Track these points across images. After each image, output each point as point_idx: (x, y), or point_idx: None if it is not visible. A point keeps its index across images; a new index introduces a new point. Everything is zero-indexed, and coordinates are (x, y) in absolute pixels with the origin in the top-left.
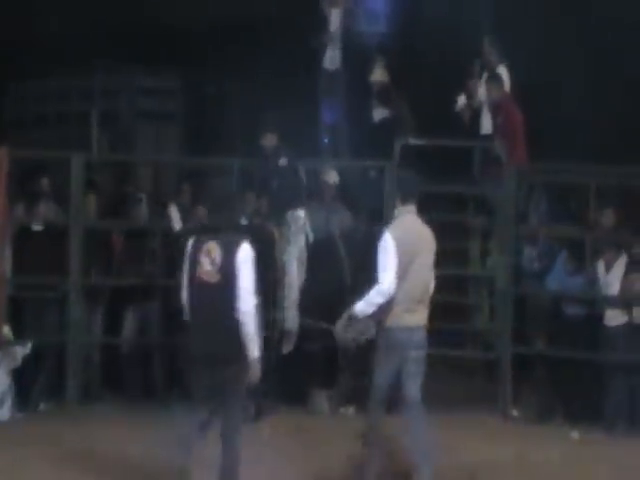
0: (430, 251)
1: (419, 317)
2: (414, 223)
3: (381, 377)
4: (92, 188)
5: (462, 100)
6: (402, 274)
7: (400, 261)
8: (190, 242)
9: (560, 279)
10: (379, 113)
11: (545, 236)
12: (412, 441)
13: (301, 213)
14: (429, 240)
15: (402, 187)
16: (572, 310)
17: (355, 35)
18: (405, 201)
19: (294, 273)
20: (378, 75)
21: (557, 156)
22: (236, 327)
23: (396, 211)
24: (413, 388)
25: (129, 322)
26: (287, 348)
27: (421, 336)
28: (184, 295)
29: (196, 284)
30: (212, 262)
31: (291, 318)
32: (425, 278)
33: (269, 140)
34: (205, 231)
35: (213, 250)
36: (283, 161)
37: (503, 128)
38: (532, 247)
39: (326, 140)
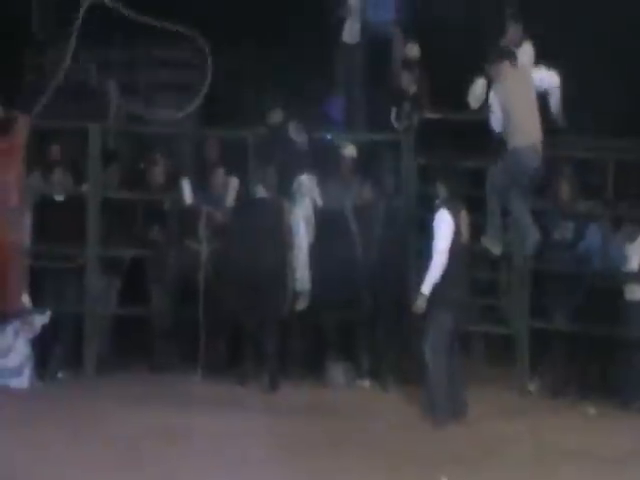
0: None
1: None
2: None
3: None
4: (114, 159)
5: (479, 87)
6: None
7: None
8: (446, 214)
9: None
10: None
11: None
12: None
13: (305, 179)
14: None
15: None
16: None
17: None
18: None
19: (302, 234)
20: (415, 51)
21: (575, 131)
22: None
23: None
24: None
25: (157, 295)
26: (301, 306)
27: None
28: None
29: (458, 248)
30: (466, 227)
31: (302, 278)
32: None
33: (275, 117)
34: (450, 202)
35: (465, 217)
36: (293, 127)
37: None
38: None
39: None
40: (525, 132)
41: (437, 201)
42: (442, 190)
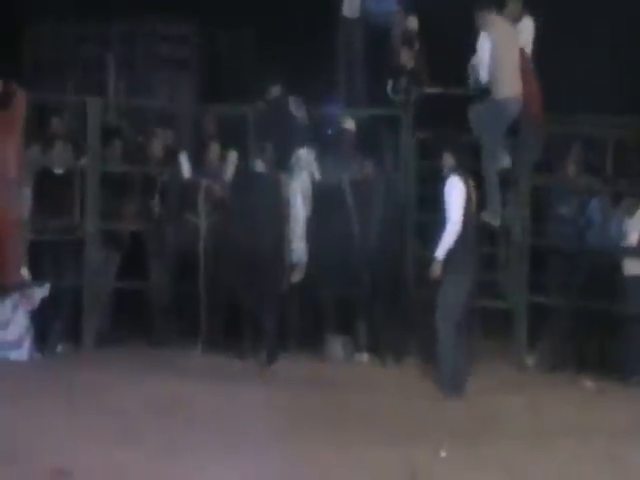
0: None
1: None
2: None
3: None
4: (117, 134)
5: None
6: None
7: None
8: (457, 181)
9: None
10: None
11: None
12: None
13: (303, 153)
14: None
15: None
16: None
17: None
18: None
19: (299, 206)
20: (414, 24)
21: (576, 108)
22: None
23: None
24: None
25: (156, 269)
26: (296, 278)
27: None
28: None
29: (469, 217)
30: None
31: (299, 250)
32: None
33: (275, 92)
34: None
35: (472, 186)
36: (292, 102)
37: None
38: (573, 197)
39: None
40: (510, 83)
41: (445, 170)
42: (450, 160)
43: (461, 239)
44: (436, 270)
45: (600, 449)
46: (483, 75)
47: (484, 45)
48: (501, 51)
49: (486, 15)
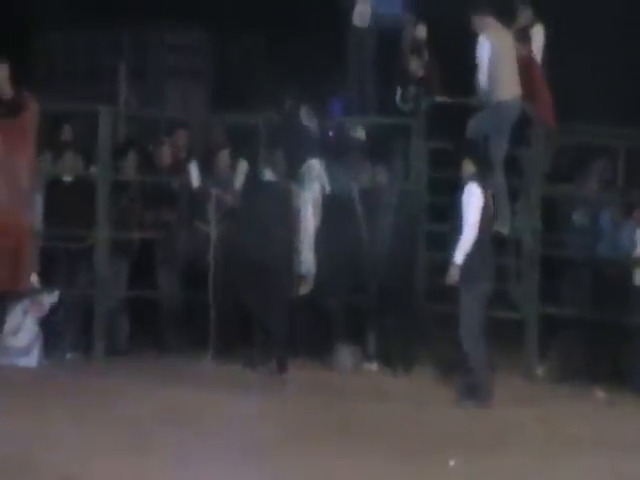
0: None
1: None
2: None
3: None
4: (131, 146)
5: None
6: None
7: None
8: (476, 188)
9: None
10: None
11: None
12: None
13: (315, 163)
14: None
15: None
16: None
17: None
18: None
19: (309, 217)
20: (423, 32)
21: (587, 118)
22: None
23: None
24: None
25: (164, 277)
26: (304, 289)
27: None
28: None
29: (486, 224)
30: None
31: (307, 261)
32: None
33: (287, 102)
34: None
35: (490, 193)
36: (304, 112)
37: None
38: (586, 207)
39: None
40: (508, 85)
41: (464, 177)
42: (469, 167)
43: (478, 245)
44: (454, 275)
45: (610, 462)
46: (482, 78)
47: (483, 49)
48: (498, 54)
49: (482, 19)
